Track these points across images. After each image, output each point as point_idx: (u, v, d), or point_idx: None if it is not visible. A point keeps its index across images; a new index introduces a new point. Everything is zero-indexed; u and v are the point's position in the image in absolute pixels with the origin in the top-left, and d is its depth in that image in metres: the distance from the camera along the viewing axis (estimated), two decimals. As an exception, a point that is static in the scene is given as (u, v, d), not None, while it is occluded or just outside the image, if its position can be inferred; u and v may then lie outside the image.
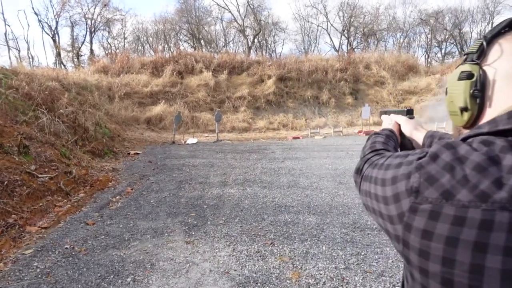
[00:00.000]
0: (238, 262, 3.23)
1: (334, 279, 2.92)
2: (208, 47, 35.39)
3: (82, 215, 4.62)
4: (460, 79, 0.63)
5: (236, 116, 17.56)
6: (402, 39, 37.55)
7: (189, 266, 3.16)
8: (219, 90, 18.95)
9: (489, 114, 0.59)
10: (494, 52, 0.60)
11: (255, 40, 35.94)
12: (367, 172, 0.69)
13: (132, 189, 5.93)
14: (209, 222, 4.31)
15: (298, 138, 13.95)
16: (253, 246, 3.59)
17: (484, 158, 0.50)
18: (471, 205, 0.49)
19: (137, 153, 9.77)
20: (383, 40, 38.32)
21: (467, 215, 0.48)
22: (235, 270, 3.08)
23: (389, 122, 1.06)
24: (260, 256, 3.37)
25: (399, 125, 1.04)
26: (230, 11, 34.44)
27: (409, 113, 1.08)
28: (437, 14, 35.98)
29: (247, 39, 33.90)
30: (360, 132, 14.94)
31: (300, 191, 5.72)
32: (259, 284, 2.86)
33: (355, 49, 34.80)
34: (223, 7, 33.52)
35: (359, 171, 0.77)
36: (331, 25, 38.61)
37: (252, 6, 32.86)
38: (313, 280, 2.91)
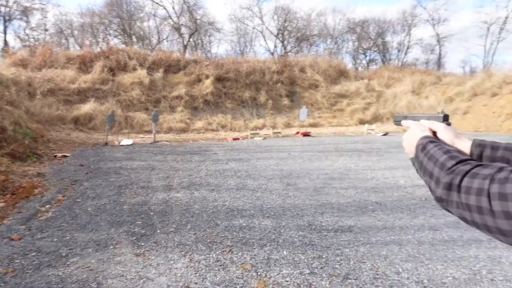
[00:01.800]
0: (197, 274, 2.98)
1: (301, 285, 2.82)
2: (141, 44, 33.82)
3: (4, 229, 3.97)
4: None
5: (173, 116, 16.92)
6: (332, 45, 39.57)
7: (143, 282, 2.83)
8: (155, 89, 18.12)
9: None
10: None
11: (191, 39, 35.20)
12: (510, 189, 0.54)
13: (64, 196, 5.29)
14: (158, 231, 3.97)
15: (238, 139, 13.84)
16: (211, 255, 3.36)
17: None
18: None
19: (65, 156, 8.85)
20: (315, 45, 39.99)
21: None
22: (196, 283, 2.83)
23: (421, 128, 0.91)
24: (220, 265, 3.15)
25: (434, 133, 0.90)
26: (164, 8, 33.29)
27: (446, 118, 0.96)
28: (363, 23, 38.53)
29: (183, 38, 33.04)
30: (297, 133, 15.28)
31: (250, 193, 5.58)
32: (224, 297, 2.65)
33: (289, 53, 35.84)
34: (157, 3, 32.24)
35: (453, 187, 0.62)
36: (266, 28, 39.24)
37: (187, 4, 32.11)
38: (280, 288, 2.78)
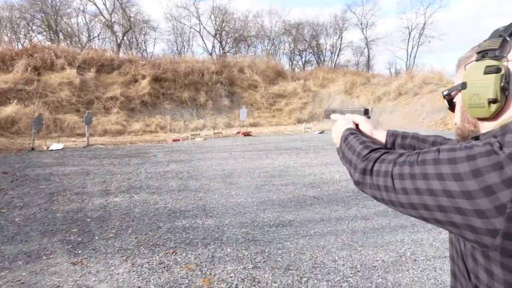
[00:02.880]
0: (141, 278, 2.93)
1: (246, 280, 2.91)
2: (69, 41, 31.68)
3: None
4: (487, 73, 0.66)
5: (108, 118, 16.13)
6: (269, 46, 40.48)
7: (82, 291, 2.72)
8: (87, 90, 17.11)
9: None
10: None
11: (125, 38, 33.77)
12: (408, 169, 0.66)
13: (-15, 208, 4.83)
14: (96, 237, 3.81)
15: (179, 140, 13.62)
16: (154, 258, 3.31)
17: None
18: None
19: (-15, 163, 8.04)
20: (253, 46, 40.58)
21: None
22: (139, 287, 2.78)
23: (346, 121, 1.04)
24: (164, 267, 3.13)
25: (357, 125, 1.04)
26: (94, 3, 31.42)
27: (366, 112, 1.10)
28: (298, 25, 39.93)
29: (116, 36, 31.55)
30: (238, 133, 15.43)
31: (192, 194, 5.56)
32: (169, 298, 2.64)
33: (228, 53, 36.00)
34: (86, -2, 30.40)
35: (367, 171, 0.75)
36: (204, 28, 38.97)
37: (120, 1, 30.72)
38: (225, 284, 2.84)
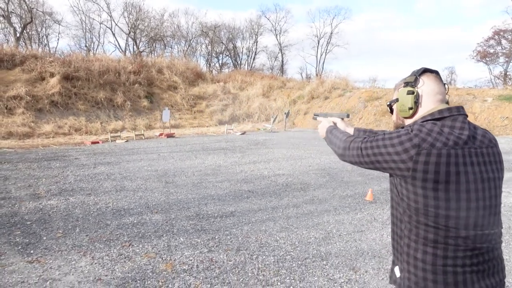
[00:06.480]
0: (105, 268, 3.13)
1: (204, 261, 3.30)
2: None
3: None
4: (408, 94, 1.24)
5: (13, 119, 14.71)
6: (186, 47, 40.24)
7: (50, 283, 2.83)
8: (-16, 87, 15.34)
9: (420, 111, 1.24)
10: (420, 82, 1.24)
11: (24, 31, 30.57)
12: (369, 144, 1.22)
13: None
14: (44, 238, 3.81)
15: (98, 142, 13.07)
16: (112, 251, 3.50)
17: (439, 129, 1.13)
18: (442, 148, 1.09)
19: None
20: (169, 46, 39.93)
21: (442, 152, 1.09)
22: (107, 275, 2.99)
23: (328, 121, 1.67)
24: (125, 257, 3.35)
25: (335, 123, 1.63)
26: (-14, -10, 27.81)
27: (348, 116, 1.72)
28: (215, 28, 40.43)
29: (14, 28, 28.40)
30: (161, 135, 15.32)
31: (131, 194, 5.68)
32: (138, 281, 2.91)
33: (143, 53, 34.93)
34: (-25, -16, 26.79)
35: (346, 148, 1.34)
36: (116, 24, 37.18)
37: (19, -10, 27.75)
38: (186, 266, 3.20)
